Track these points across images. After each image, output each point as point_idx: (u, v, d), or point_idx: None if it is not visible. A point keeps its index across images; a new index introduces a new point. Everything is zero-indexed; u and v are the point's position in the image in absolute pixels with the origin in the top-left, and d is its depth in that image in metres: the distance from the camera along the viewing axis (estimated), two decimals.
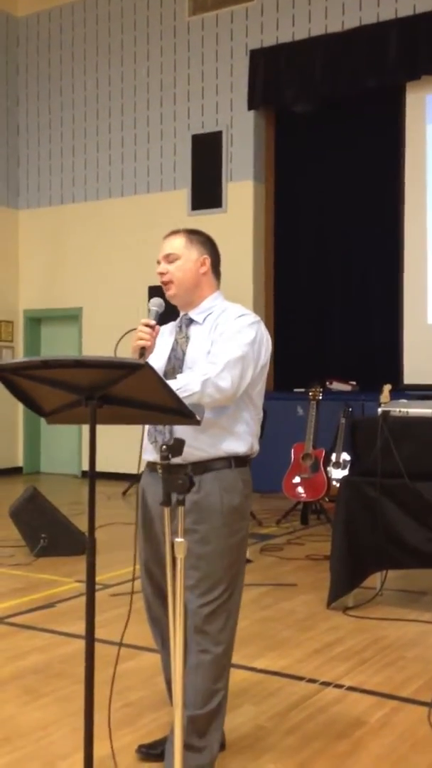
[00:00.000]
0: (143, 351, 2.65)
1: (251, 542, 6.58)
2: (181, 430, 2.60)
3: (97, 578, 2.22)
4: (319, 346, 9.95)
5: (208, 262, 2.87)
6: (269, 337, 2.86)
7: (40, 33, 11.50)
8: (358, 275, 9.82)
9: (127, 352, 2.62)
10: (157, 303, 2.79)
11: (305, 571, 5.86)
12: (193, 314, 2.86)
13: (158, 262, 2.88)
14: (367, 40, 9.02)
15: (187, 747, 2.63)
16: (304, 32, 9.48)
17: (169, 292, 2.86)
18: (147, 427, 2.77)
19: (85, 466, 10.37)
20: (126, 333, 2.80)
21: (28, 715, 3.38)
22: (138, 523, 2.87)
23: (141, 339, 2.65)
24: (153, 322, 2.70)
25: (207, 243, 2.90)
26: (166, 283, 2.86)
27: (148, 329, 2.67)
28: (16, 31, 11.65)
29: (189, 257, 2.84)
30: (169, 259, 2.84)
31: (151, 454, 2.77)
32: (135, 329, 2.71)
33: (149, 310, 2.77)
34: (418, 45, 8.75)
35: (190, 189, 10.26)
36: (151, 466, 2.81)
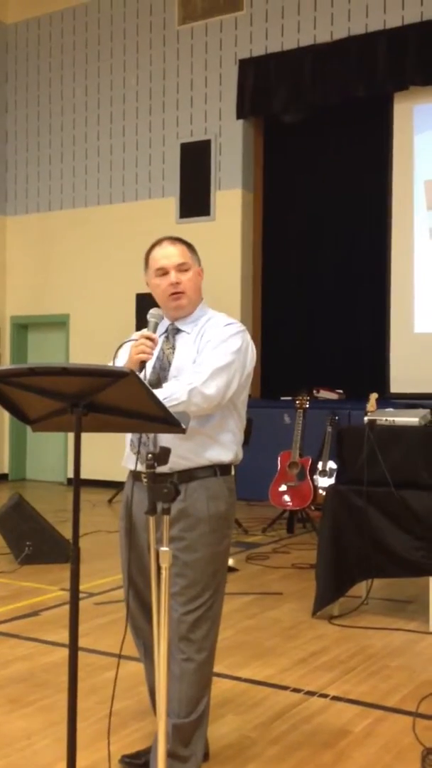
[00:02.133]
0: (143, 364, 2.60)
1: (237, 551, 6.58)
2: (165, 439, 2.59)
3: (82, 586, 2.21)
4: (307, 354, 9.97)
5: (202, 273, 2.87)
6: (254, 346, 2.85)
7: (30, 40, 11.51)
8: (346, 284, 9.85)
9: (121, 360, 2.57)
10: (156, 314, 2.72)
11: (291, 579, 5.86)
12: (181, 324, 2.83)
13: (161, 270, 2.78)
14: (356, 51, 9.07)
15: (173, 756, 2.62)
16: (293, 42, 9.53)
17: (181, 302, 2.79)
18: (129, 436, 2.76)
19: (71, 474, 10.33)
20: (123, 343, 2.75)
21: (11, 724, 3.36)
22: (121, 532, 2.85)
23: (143, 353, 2.59)
24: (154, 335, 2.65)
25: (196, 252, 2.89)
26: (177, 294, 2.78)
27: (149, 342, 2.61)
28: (5, 38, 11.65)
29: (195, 268, 2.83)
30: (182, 268, 2.78)
31: (134, 464, 2.75)
32: (133, 340, 2.66)
33: (149, 322, 2.70)
34: (406, 56, 8.80)
35: (179, 197, 10.27)
36: (134, 475, 2.78)
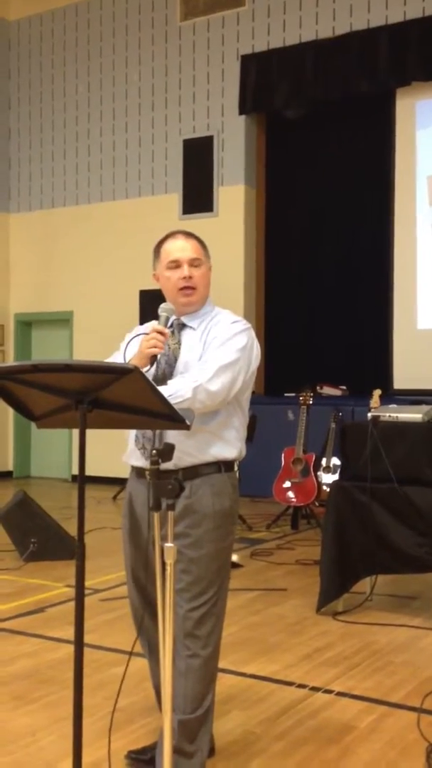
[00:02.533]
0: (155, 358, 2.60)
1: (242, 547, 6.59)
2: (170, 435, 2.60)
3: (87, 583, 2.21)
4: (310, 350, 9.96)
5: (211, 270, 2.87)
6: (258, 344, 2.85)
7: (32, 37, 11.50)
8: (349, 280, 9.84)
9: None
10: (168, 309, 2.71)
11: (295, 575, 5.86)
12: (186, 319, 2.82)
13: (174, 262, 2.77)
14: (358, 46, 9.06)
15: (178, 752, 2.63)
16: (295, 38, 9.51)
17: (191, 298, 2.78)
18: (133, 432, 2.75)
19: (76, 470, 10.35)
20: (133, 337, 2.74)
21: (16, 721, 3.36)
22: (125, 529, 2.85)
23: (155, 347, 2.58)
24: (165, 329, 2.64)
25: (207, 249, 2.88)
26: (189, 288, 2.76)
27: (161, 336, 2.59)
28: (7, 35, 11.64)
29: (207, 264, 2.82)
30: (195, 263, 2.77)
31: (138, 460, 2.75)
32: (143, 333, 2.66)
33: (159, 316, 2.69)
34: (407, 51, 8.78)
35: (182, 193, 10.27)
36: (138, 471, 2.79)
